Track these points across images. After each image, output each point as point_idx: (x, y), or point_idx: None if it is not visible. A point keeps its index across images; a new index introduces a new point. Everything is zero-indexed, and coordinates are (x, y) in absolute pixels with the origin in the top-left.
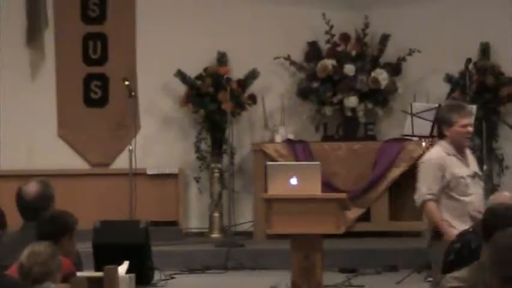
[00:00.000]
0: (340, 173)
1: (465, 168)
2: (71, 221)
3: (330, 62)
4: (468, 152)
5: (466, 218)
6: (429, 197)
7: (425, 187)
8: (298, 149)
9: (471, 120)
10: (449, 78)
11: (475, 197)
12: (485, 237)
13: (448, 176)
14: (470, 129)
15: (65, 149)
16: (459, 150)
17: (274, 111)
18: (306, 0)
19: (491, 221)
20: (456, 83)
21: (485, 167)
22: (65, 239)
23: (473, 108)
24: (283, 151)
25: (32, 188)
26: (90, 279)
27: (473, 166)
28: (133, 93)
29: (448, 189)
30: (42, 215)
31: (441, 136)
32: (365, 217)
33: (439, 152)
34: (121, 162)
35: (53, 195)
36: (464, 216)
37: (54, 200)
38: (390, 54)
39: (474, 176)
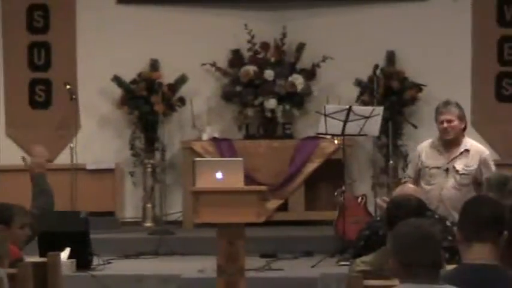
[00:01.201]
0: (260, 168)
1: (441, 161)
2: (5, 213)
3: (251, 68)
4: (463, 148)
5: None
6: (405, 179)
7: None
8: (223, 146)
9: (447, 116)
10: (358, 83)
11: (435, 187)
12: (389, 225)
13: (419, 164)
14: (445, 125)
15: (12, 146)
16: (445, 144)
17: (201, 112)
18: (230, 12)
19: (393, 210)
20: (365, 87)
21: (391, 162)
22: (12, 228)
23: (380, 108)
24: (210, 148)
25: None
26: (35, 264)
27: (454, 161)
28: (74, 96)
29: (419, 176)
30: None
31: None
32: (283, 207)
33: (426, 142)
34: (63, 159)
35: None
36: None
37: None
38: (306, 61)
39: (447, 169)
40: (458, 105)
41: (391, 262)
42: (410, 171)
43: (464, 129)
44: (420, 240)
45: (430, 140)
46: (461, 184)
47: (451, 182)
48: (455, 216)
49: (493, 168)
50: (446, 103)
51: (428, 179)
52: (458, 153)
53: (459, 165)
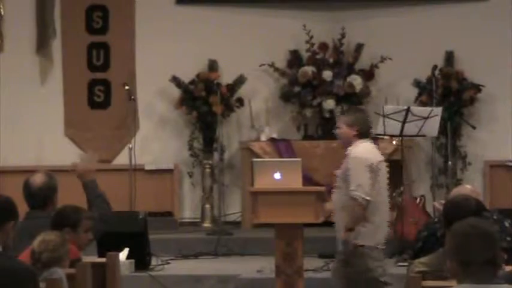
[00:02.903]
0: (319, 168)
1: None
2: (73, 217)
3: (309, 69)
4: (348, 152)
5: None
6: None
7: None
8: (281, 146)
9: (337, 123)
10: (417, 83)
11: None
12: (447, 225)
13: None
14: (337, 131)
15: (71, 147)
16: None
17: (259, 112)
18: (288, 13)
19: (451, 210)
20: (423, 88)
21: (450, 163)
22: (78, 232)
23: (439, 109)
24: (268, 149)
25: (38, 178)
26: (94, 265)
27: (341, 167)
28: (132, 97)
29: None
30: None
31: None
32: None
33: None
34: (122, 159)
35: (56, 186)
36: None
37: (57, 191)
38: (364, 62)
39: None
40: (350, 112)
41: (448, 263)
42: None
43: (358, 135)
44: (477, 238)
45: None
46: (338, 187)
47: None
48: (338, 216)
49: (357, 170)
50: (342, 111)
51: None
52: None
53: (339, 169)
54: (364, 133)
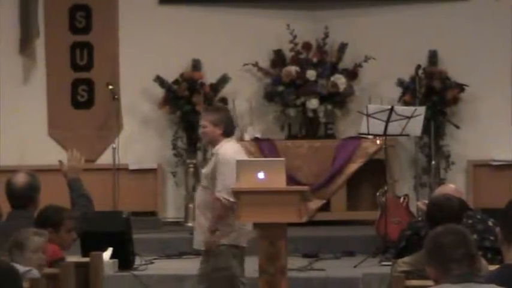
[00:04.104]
0: (302, 168)
1: None
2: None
3: (293, 68)
4: (214, 151)
5: None
6: None
7: None
8: (264, 146)
9: (201, 121)
10: (400, 83)
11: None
12: (430, 225)
13: None
14: (201, 130)
15: (55, 147)
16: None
17: (243, 112)
18: (272, 13)
19: (435, 211)
20: (407, 87)
21: (433, 163)
22: (60, 232)
23: (422, 108)
24: (252, 148)
25: (20, 178)
26: (77, 264)
27: (207, 166)
28: (116, 97)
29: None
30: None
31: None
32: (325, 207)
33: None
34: (105, 159)
35: (39, 186)
36: None
37: (40, 190)
38: (348, 61)
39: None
40: (215, 110)
41: (427, 269)
42: None
43: (223, 134)
44: (450, 235)
45: None
46: (203, 186)
47: (201, 184)
48: (199, 216)
49: (224, 170)
50: (205, 108)
51: None
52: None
53: (205, 168)
54: (229, 132)
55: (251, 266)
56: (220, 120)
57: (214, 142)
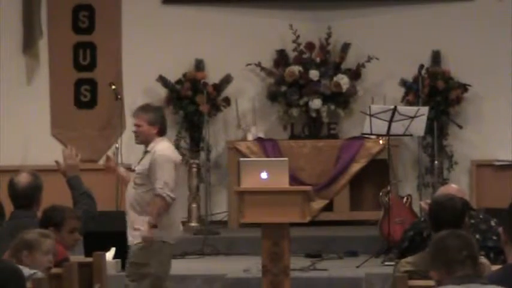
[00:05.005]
0: (305, 168)
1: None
2: (57, 216)
3: (296, 68)
4: (149, 149)
5: None
6: None
7: None
8: (268, 146)
9: (135, 121)
10: (403, 83)
11: (128, 187)
12: (432, 226)
13: None
14: (134, 129)
15: (58, 146)
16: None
17: (246, 112)
18: (275, 13)
19: (438, 211)
20: (410, 87)
21: (436, 163)
22: (62, 231)
23: (425, 108)
24: (255, 148)
25: (23, 178)
26: (80, 264)
27: (141, 163)
28: (119, 97)
29: None
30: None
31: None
32: (328, 207)
33: None
34: None
35: (41, 185)
36: None
37: (42, 190)
38: (351, 61)
39: (134, 171)
40: (151, 110)
41: (432, 273)
42: None
43: (158, 133)
44: (453, 238)
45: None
46: (136, 183)
47: (132, 182)
48: (131, 214)
49: (164, 167)
50: (139, 107)
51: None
52: (146, 155)
53: (137, 166)
54: (163, 131)
55: (254, 266)
56: (156, 119)
57: (148, 141)
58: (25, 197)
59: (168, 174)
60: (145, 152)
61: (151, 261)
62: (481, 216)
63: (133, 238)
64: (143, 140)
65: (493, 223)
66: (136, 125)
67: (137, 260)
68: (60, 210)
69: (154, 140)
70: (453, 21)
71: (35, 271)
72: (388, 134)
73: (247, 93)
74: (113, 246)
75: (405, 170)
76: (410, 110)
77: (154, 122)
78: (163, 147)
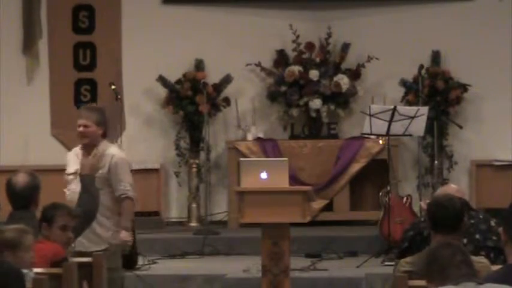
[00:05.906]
0: (305, 168)
1: (77, 166)
2: (48, 213)
3: (296, 68)
4: (97, 152)
5: None
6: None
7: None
8: (267, 146)
9: (83, 121)
10: (403, 83)
11: (70, 193)
12: (433, 226)
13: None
14: (81, 129)
15: (58, 147)
16: (84, 149)
17: (246, 112)
18: (275, 12)
19: (438, 211)
20: (410, 87)
21: (436, 163)
22: (53, 228)
23: (425, 108)
24: (254, 148)
25: (21, 178)
26: (80, 264)
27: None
28: (119, 97)
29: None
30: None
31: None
32: (328, 207)
33: (74, 149)
34: None
35: (40, 185)
36: None
37: (40, 190)
38: (351, 61)
39: (76, 173)
40: (98, 110)
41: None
42: None
43: (104, 134)
44: (446, 246)
45: (79, 146)
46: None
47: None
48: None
49: (126, 170)
50: (86, 108)
51: (68, 186)
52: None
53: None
54: (106, 132)
55: (254, 266)
56: (102, 120)
57: (94, 142)
58: (23, 198)
59: (130, 176)
60: (94, 154)
61: (119, 264)
62: (481, 216)
63: (94, 244)
64: (91, 140)
65: (493, 223)
66: (84, 126)
67: (110, 265)
68: (51, 206)
69: (101, 141)
70: (453, 21)
71: (26, 271)
72: (388, 134)
73: (247, 93)
74: None
75: (405, 170)
76: (410, 110)
77: (100, 122)
78: (117, 151)
